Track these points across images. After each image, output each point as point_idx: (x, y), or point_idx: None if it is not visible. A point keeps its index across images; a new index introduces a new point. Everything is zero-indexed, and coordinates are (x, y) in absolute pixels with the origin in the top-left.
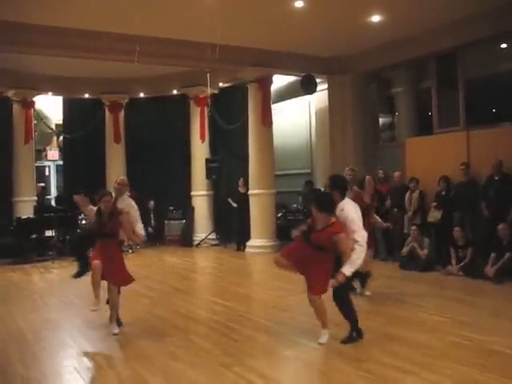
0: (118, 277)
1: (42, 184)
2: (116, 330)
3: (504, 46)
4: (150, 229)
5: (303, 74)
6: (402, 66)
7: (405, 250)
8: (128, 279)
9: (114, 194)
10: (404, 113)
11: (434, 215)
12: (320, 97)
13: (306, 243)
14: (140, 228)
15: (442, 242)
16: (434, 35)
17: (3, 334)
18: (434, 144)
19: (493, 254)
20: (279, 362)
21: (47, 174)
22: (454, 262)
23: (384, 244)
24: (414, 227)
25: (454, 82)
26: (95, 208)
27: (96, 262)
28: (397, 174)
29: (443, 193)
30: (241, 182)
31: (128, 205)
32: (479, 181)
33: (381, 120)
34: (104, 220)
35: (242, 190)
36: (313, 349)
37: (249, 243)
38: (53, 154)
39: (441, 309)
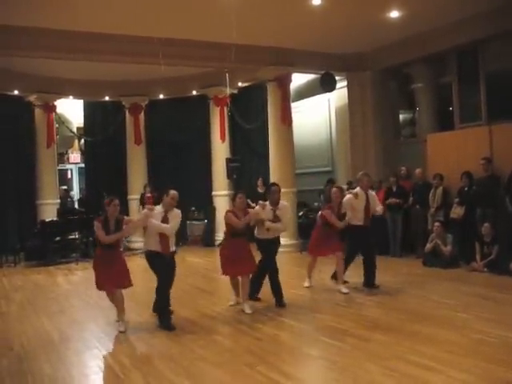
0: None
1: (65, 187)
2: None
3: None
4: None
5: (322, 72)
6: (422, 62)
7: (428, 246)
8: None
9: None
10: (425, 108)
11: (457, 211)
12: (339, 94)
13: None
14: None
15: (465, 238)
16: (453, 29)
17: (30, 335)
18: (456, 139)
19: None
20: (303, 360)
21: (69, 176)
22: (478, 258)
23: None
24: (437, 223)
25: (475, 76)
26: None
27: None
28: (418, 170)
29: (466, 189)
30: (259, 181)
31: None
32: (502, 176)
33: (401, 116)
34: (111, 229)
35: (260, 189)
36: (337, 347)
37: None
38: (74, 157)
39: (466, 306)
